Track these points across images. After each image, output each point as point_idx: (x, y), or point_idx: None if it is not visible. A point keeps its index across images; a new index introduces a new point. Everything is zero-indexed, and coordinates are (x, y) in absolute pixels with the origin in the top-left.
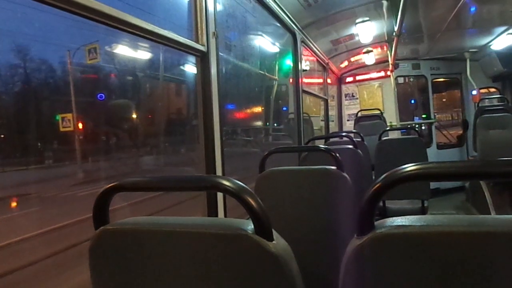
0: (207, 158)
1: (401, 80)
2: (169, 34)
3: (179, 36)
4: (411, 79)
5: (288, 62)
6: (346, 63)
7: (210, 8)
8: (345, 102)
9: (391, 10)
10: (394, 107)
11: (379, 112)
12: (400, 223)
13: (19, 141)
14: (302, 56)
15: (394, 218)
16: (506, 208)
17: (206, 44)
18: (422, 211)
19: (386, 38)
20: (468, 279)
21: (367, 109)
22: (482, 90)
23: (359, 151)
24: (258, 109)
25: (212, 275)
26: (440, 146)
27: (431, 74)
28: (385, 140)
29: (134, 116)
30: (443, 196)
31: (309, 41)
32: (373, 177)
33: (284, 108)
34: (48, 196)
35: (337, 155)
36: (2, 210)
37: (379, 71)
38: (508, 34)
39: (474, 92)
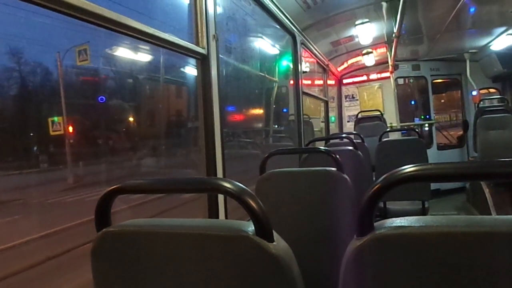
0: (207, 160)
1: (401, 81)
2: (170, 37)
3: (180, 39)
4: (411, 80)
5: (288, 63)
6: (346, 64)
7: (210, 11)
8: (345, 104)
9: (391, 12)
10: (394, 108)
11: (379, 113)
12: (400, 224)
13: (7, 145)
14: (302, 57)
15: (393, 219)
16: (506, 209)
17: (206, 46)
18: (423, 212)
19: (386, 39)
20: (468, 279)
21: (367, 110)
22: (482, 91)
23: (359, 152)
24: (258, 111)
25: (213, 277)
26: (440, 147)
27: (431, 75)
28: (385, 141)
29: (128, 119)
30: (444, 197)
31: (309, 42)
32: (374, 178)
33: (284, 110)
34: (34, 202)
35: (337, 156)
36: None
37: (379, 72)
38: (508, 34)
39: (474, 93)
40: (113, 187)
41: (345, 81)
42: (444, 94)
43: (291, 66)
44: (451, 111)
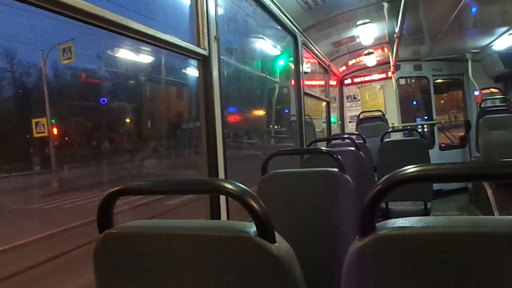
0: (209, 161)
1: (402, 81)
2: (171, 38)
3: (181, 41)
4: (413, 80)
5: (290, 64)
6: (347, 65)
7: (212, 12)
8: (347, 104)
9: (392, 12)
10: (396, 109)
11: (381, 113)
12: (401, 225)
13: None
14: (303, 58)
15: (395, 219)
16: (509, 209)
17: (207, 48)
18: (425, 212)
19: (387, 40)
20: (470, 280)
21: (369, 111)
22: (484, 91)
23: (361, 153)
24: (260, 112)
25: (215, 278)
26: (442, 147)
27: (433, 75)
28: (387, 141)
29: (114, 120)
30: (446, 197)
31: (310, 43)
32: (376, 179)
33: (286, 111)
34: (9, 209)
35: (339, 157)
36: None
37: (381, 73)
38: (510, 34)
39: (476, 93)
40: (115, 188)
41: (346, 81)
42: (446, 94)
43: (293, 66)
44: (453, 111)
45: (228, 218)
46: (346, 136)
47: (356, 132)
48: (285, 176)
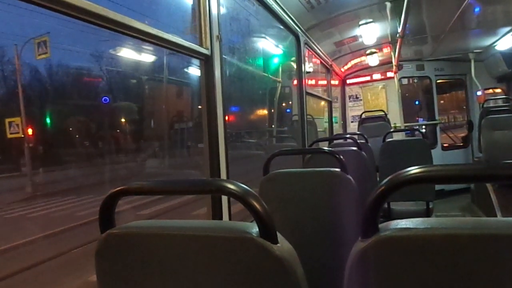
0: (211, 161)
1: (405, 81)
2: (174, 38)
3: (183, 40)
4: (415, 80)
5: (292, 64)
6: (349, 64)
7: (214, 11)
8: (349, 104)
9: (395, 11)
10: (398, 109)
11: (383, 113)
12: (404, 226)
13: None
14: (306, 58)
15: (398, 220)
16: None
17: (210, 47)
18: (427, 212)
19: (390, 40)
20: (473, 282)
21: (371, 111)
22: (487, 91)
23: (363, 152)
24: (261, 112)
25: (217, 278)
26: (445, 148)
27: (436, 75)
28: (389, 141)
29: (94, 119)
30: (448, 198)
31: (313, 43)
32: (378, 179)
33: (288, 110)
34: None
35: (341, 157)
36: None
37: (383, 73)
38: None
39: (479, 93)
40: (117, 188)
41: (348, 81)
42: (448, 94)
43: (295, 66)
44: (456, 111)
45: (230, 219)
46: (348, 136)
47: (358, 132)
48: (287, 176)
